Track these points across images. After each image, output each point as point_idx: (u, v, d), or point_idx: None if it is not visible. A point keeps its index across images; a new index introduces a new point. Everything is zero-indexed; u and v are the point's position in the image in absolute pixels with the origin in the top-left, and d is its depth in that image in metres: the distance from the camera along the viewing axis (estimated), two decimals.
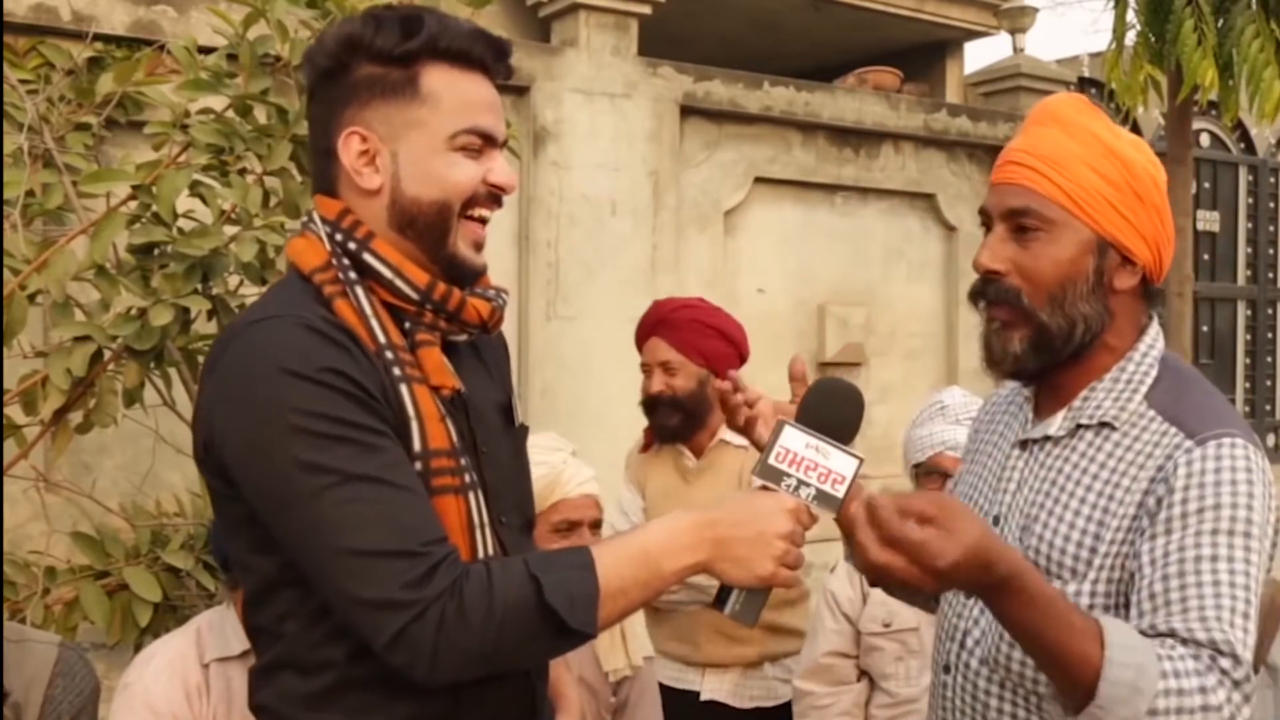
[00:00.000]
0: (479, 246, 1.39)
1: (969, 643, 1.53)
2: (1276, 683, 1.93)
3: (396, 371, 1.29)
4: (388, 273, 1.33)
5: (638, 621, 2.45)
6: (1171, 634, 1.27)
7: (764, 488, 1.36)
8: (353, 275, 1.33)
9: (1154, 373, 1.46)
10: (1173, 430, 1.39)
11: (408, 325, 1.35)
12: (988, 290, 1.47)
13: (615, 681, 2.34)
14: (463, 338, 1.42)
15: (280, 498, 1.22)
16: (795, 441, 1.35)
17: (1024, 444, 1.53)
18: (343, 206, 1.36)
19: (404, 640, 1.19)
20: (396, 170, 1.33)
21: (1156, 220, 1.45)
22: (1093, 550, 1.40)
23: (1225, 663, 1.25)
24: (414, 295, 1.34)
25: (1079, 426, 1.47)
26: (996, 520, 1.52)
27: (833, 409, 1.41)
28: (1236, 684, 1.25)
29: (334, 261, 1.33)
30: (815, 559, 5.00)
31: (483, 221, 1.38)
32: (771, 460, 1.35)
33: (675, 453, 2.95)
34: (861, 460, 1.37)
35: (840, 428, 1.38)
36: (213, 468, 1.30)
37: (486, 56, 1.36)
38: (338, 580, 1.21)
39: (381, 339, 1.30)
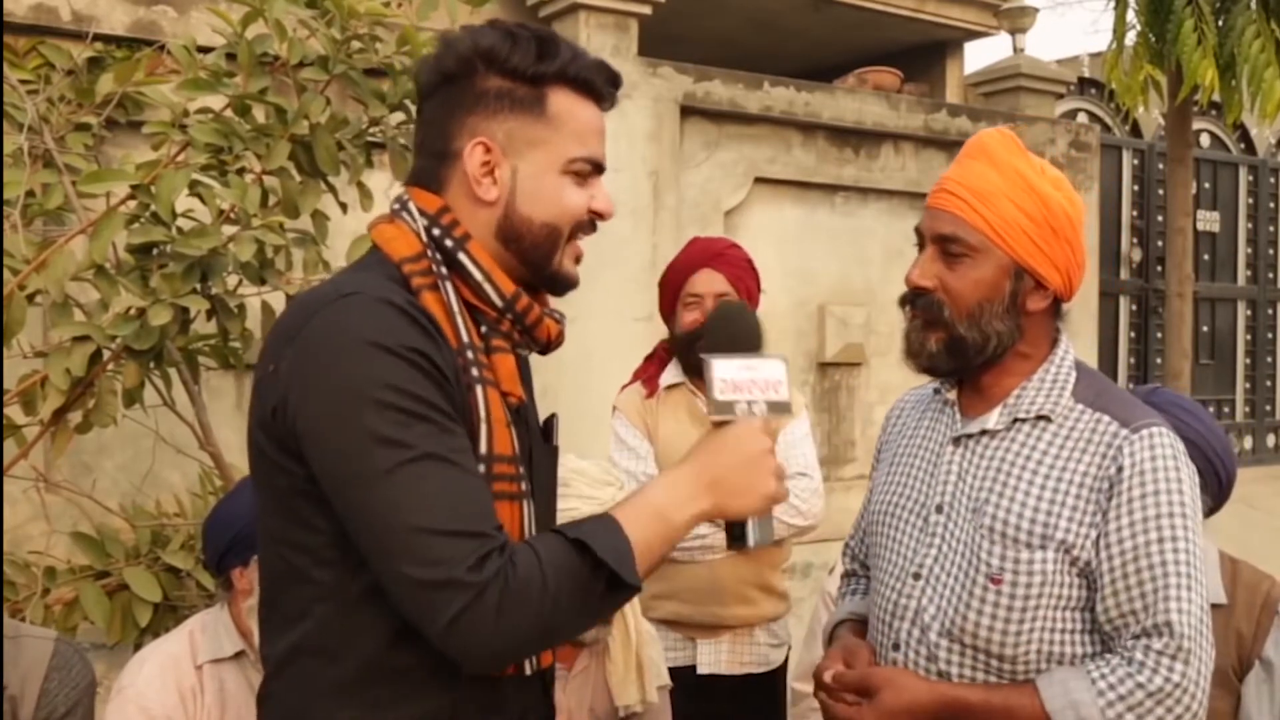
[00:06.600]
0: (578, 261, 1.45)
1: (924, 619, 1.64)
2: (1272, 678, 1.93)
3: (474, 372, 1.32)
4: (479, 275, 1.36)
5: (655, 652, 2.39)
6: (1124, 628, 1.53)
7: (723, 422, 1.39)
8: (444, 270, 1.35)
9: (1074, 374, 1.66)
10: (1105, 419, 1.59)
11: (484, 329, 1.37)
12: (916, 301, 1.66)
13: (625, 717, 2.29)
14: (525, 352, 1.45)
15: (353, 469, 1.22)
16: (728, 370, 1.40)
17: (957, 440, 1.68)
18: (443, 203, 1.38)
19: (463, 622, 1.19)
20: (514, 186, 1.37)
21: (1068, 250, 1.63)
22: (1046, 525, 1.56)
23: (1158, 644, 1.49)
24: (499, 302, 1.37)
25: (1016, 420, 1.64)
26: (940, 508, 1.67)
27: (737, 327, 1.47)
28: (1173, 656, 1.48)
29: (428, 254, 1.35)
30: (815, 559, 5.02)
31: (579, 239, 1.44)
32: (718, 395, 1.40)
33: (686, 397, 2.88)
34: (784, 360, 1.43)
35: (751, 340, 1.45)
36: (276, 435, 1.29)
37: (605, 88, 1.42)
38: (399, 558, 1.21)
39: (464, 338, 1.32)
